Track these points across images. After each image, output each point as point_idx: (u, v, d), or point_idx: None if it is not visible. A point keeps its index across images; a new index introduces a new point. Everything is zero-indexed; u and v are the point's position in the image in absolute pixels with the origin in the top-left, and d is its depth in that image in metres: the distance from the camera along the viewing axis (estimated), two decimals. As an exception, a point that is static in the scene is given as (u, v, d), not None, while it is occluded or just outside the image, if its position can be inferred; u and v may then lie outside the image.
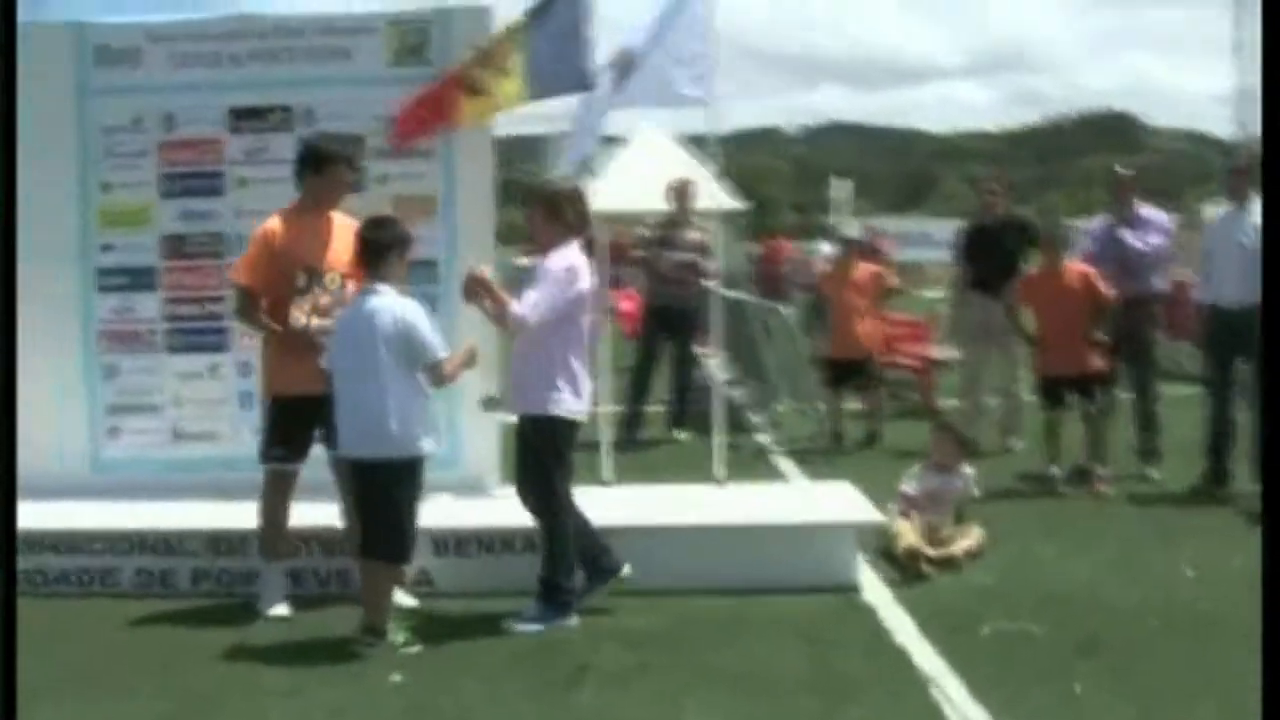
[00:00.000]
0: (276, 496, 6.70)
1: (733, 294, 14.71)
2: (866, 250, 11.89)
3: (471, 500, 7.55)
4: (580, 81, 7.86)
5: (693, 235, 11.77)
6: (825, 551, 7.08)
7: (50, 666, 5.95)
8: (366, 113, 7.83)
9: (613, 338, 14.42)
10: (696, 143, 17.31)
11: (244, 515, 6.82)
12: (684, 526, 7.17)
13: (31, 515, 7.42)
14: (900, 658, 5.96)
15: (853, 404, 11.73)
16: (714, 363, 11.09)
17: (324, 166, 6.73)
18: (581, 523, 6.64)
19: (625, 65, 8.09)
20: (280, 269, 6.59)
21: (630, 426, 11.47)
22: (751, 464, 10.57)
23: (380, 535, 6.16)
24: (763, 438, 11.99)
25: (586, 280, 6.60)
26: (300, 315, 6.50)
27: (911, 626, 6.40)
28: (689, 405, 11.87)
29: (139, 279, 7.98)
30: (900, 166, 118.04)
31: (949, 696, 5.44)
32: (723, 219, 32.79)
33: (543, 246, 6.60)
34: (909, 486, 7.89)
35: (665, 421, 11.98)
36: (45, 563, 7.21)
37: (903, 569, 7.31)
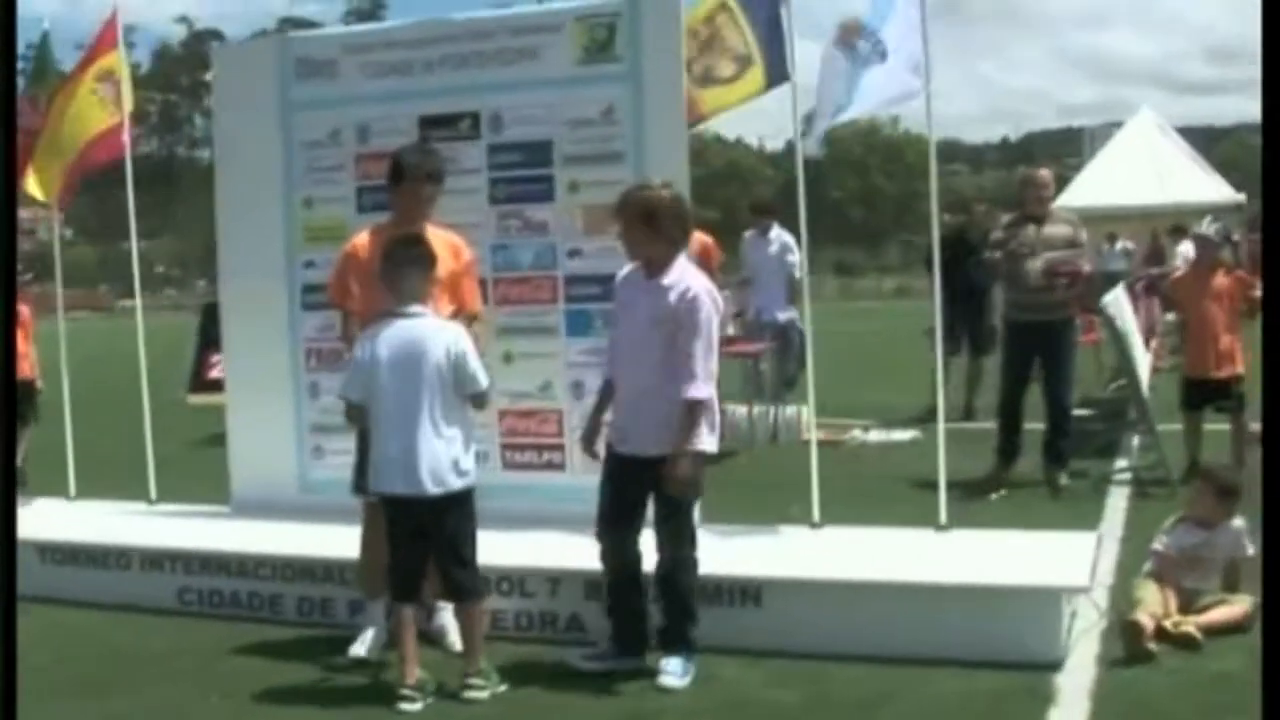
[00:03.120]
0: (372, 532, 6.28)
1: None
2: (1222, 252, 10.13)
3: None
4: (782, 73, 7.23)
5: (1059, 230, 10.01)
6: (1020, 620, 5.92)
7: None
8: (556, 116, 7.35)
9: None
10: (1200, 133, 15.67)
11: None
12: (850, 582, 6.22)
13: (217, 535, 7.48)
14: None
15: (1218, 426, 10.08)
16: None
17: (401, 179, 6.30)
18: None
19: (852, 36, 7.27)
20: (367, 285, 6.19)
21: (1002, 464, 9.97)
22: (1078, 498, 9.33)
23: (466, 573, 5.85)
24: (1122, 464, 10.57)
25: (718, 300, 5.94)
26: None
27: (1081, 728, 5.22)
28: (1067, 438, 10.03)
29: (339, 296, 7.80)
30: None
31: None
32: (1228, 213, 30.50)
33: (646, 263, 5.90)
34: (1160, 543, 6.56)
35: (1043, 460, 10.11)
36: (219, 584, 7.14)
37: (1129, 644, 6.05)
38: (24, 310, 11.56)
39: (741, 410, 12.57)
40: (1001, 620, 5.92)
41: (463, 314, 6.35)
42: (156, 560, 7.31)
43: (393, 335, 5.72)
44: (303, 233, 7.83)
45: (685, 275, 5.84)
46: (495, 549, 6.59)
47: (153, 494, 8.51)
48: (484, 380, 5.80)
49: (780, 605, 6.21)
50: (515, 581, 6.57)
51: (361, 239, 6.42)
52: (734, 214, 11.49)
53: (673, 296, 5.76)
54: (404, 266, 5.81)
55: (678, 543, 5.86)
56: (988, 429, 10.56)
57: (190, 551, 7.26)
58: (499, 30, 7.44)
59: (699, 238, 13.82)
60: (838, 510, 7.41)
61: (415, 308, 5.76)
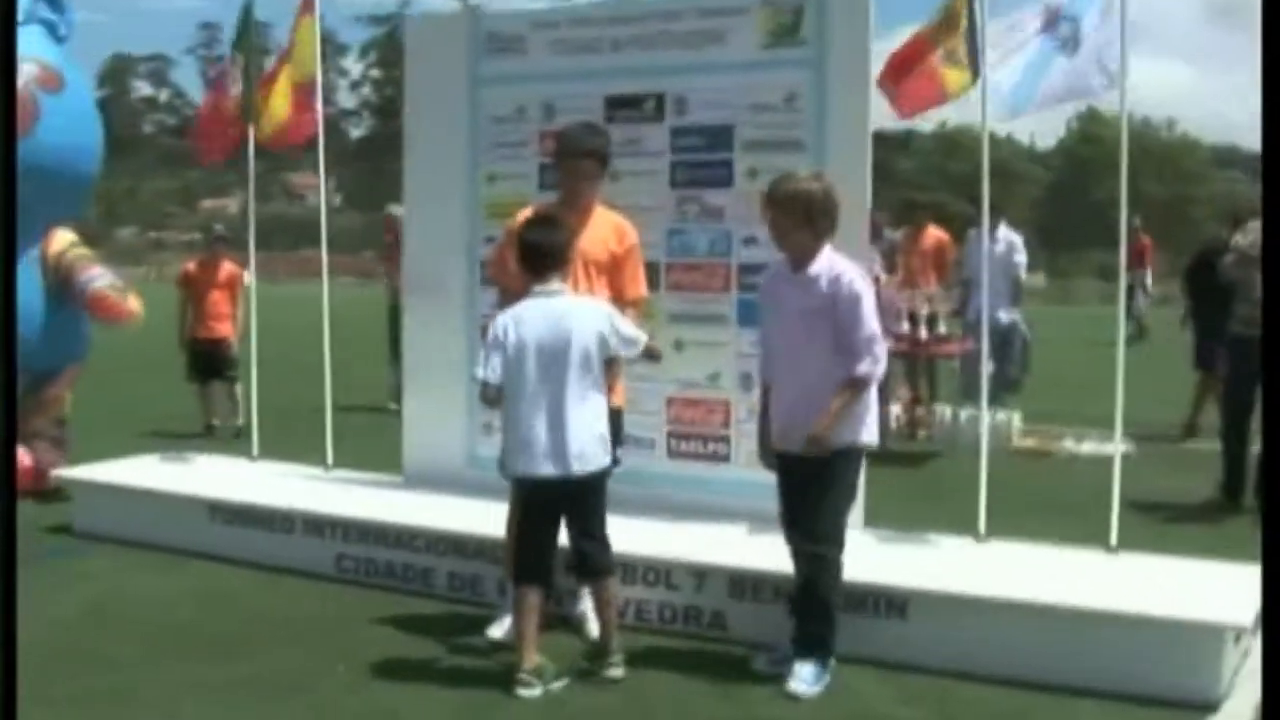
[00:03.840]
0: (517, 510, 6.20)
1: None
2: None
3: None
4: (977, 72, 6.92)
5: None
6: (1175, 654, 5.50)
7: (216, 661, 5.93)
8: (738, 100, 7.16)
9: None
10: None
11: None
12: (999, 600, 5.86)
13: (378, 504, 7.54)
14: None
15: None
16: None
17: (561, 158, 6.21)
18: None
19: (1051, 21, 6.94)
20: None
21: (1231, 490, 9.42)
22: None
23: (597, 546, 5.76)
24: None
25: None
26: None
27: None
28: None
29: (515, 274, 7.76)
30: None
31: None
32: None
33: (792, 256, 5.75)
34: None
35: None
36: (375, 554, 7.21)
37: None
38: (231, 268, 11.89)
39: (949, 412, 12.15)
40: (1155, 653, 5.53)
41: (620, 301, 6.22)
42: (317, 526, 7.41)
43: (530, 315, 5.63)
44: (485, 208, 7.80)
45: (832, 262, 5.68)
46: (645, 537, 6.51)
47: (329, 459, 8.62)
48: (634, 346, 5.77)
49: (925, 619, 5.93)
50: (661, 572, 6.43)
51: (522, 216, 6.35)
52: (995, 211, 10.98)
53: (823, 284, 5.62)
54: (535, 244, 5.71)
55: (821, 541, 5.64)
56: (1204, 449, 10.00)
57: (349, 519, 7.33)
58: (687, 12, 7.27)
59: (934, 233, 13.49)
60: (1016, 522, 7.06)
61: (553, 285, 5.67)
